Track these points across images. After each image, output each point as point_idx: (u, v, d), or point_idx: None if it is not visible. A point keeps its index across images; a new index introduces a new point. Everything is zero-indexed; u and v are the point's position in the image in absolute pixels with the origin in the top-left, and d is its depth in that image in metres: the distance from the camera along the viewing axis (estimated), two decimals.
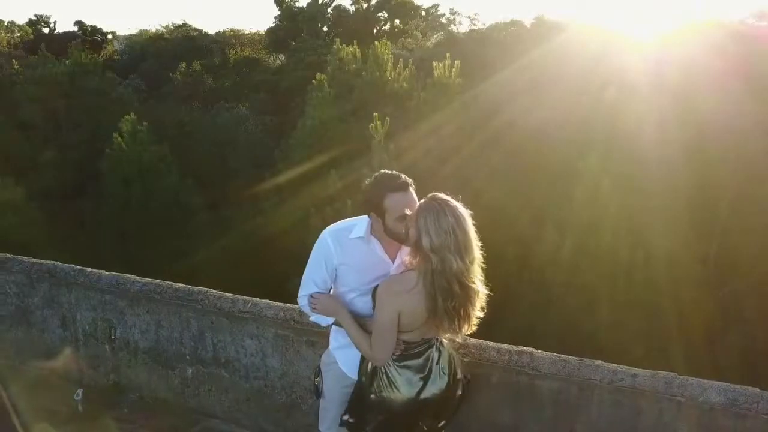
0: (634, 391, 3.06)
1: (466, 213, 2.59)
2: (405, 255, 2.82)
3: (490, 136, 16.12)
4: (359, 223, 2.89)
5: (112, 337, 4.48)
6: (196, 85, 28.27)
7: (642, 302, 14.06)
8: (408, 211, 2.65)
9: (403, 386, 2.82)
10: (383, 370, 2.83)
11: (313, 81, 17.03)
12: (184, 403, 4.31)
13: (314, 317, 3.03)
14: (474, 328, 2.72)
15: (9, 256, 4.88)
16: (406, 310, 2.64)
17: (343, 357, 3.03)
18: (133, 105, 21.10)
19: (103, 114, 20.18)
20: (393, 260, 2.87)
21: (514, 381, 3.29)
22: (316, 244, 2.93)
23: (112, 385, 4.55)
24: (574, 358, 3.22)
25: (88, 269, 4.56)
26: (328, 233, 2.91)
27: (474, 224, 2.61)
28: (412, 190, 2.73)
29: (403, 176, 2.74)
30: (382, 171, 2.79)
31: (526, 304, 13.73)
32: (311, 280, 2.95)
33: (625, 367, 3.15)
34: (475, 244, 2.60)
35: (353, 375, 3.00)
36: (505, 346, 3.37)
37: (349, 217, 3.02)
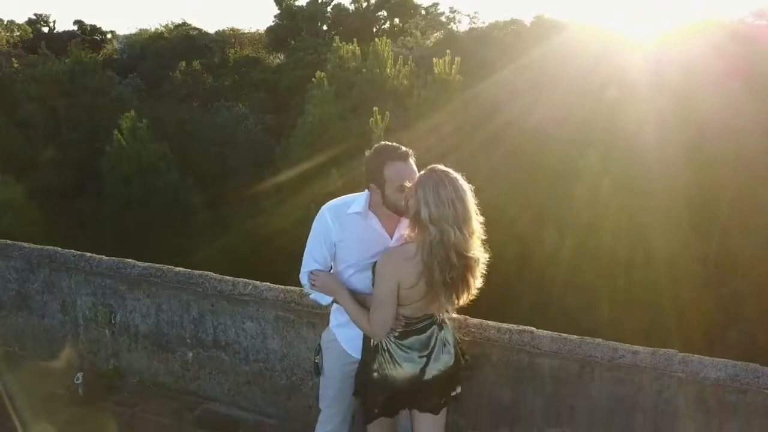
0: (634, 368, 3.06)
1: (466, 185, 2.59)
2: (404, 229, 2.82)
3: (489, 135, 16.14)
4: (358, 199, 2.90)
5: (113, 322, 4.47)
6: (195, 84, 28.33)
7: (642, 301, 14.08)
8: (408, 182, 2.65)
9: (405, 363, 2.80)
10: (384, 347, 2.82)
11: (313, 79, 17.06)
12: (184, 386, 4.30)
13: (314, 295, 3.03)
14: (473, 296, 2.71)
15: (9, 242, 4.88)
16: (405, 282, 2.63)
17: (343, 335, 3.03)
18: (132, 103, 21.13)
19: (102, 113, 20.21)
20: (391, 235, 2.87)
21: (514, 359, 3.29)
22: (315, 221, 2.94)
23: (112, 369, 4.54)
24: (575, 336, 3.23)
25: (88, 254, 4.56)
26: (326, 209, 2.91)
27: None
28: (412, 161, 2.73)
29: (404, 147, 2.75)
30: (383, 142, 2.79)
31: (526, 304, 13.74)
32: (311, 257, 2.95)
33: (626, 344, 3.15)
34: (475, 216, 2.59)
35: (354, 353, 3.00)
36: (505, 325, 3.37)
37: None
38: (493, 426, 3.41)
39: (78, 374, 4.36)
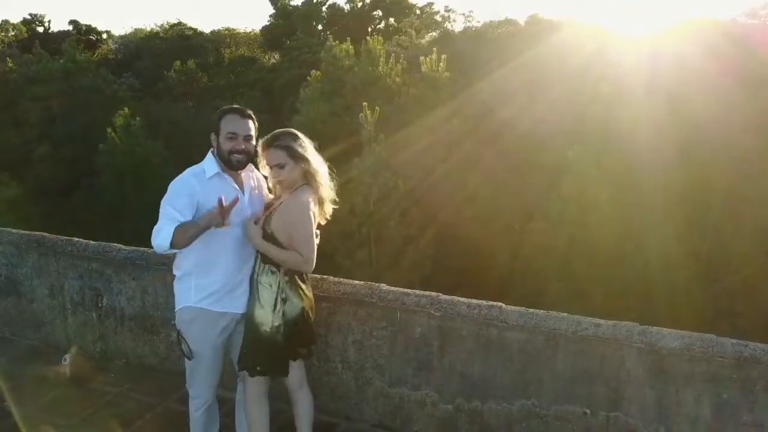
0: (597, 340, 3.18)
1: None
2: (253, 188, 3.15)
3: (484, 133, 16.25)
4: (205, 165, 3.04)
5: (99, 305, 4.58)
6: (190, 83, 28.39)
7: (634, 295, 14.18)
8: (240, 133, 2.95)
9: (295, 298, 3.06)
10: (284, 294, 3.03)
11: (308, 78, 17.16)
12: (169, 366, 4.40)
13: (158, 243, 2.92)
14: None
15: None
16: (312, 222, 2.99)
17: (197, 286, 3.09)
18: (128, 102, 21.22)
19: (97, 110, 20.30)
20: (243, 191, 3.09)
21: (484, 333, 3.40)
22: (176, 183, 3.00)
23: (99, 352, 4.65)
24: (541, 311, 3.34)
25: (75, 239, 4.67)
26: (189, 173, 3.03)
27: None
28: (250, 121, 3.02)
29: (244, 110, 3.08)
30: None
31: (517, 295, 13.85)
32: (172, 208, 2.91)
33: (589, 318, 3.27)
34: None
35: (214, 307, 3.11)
36: (475, 301, 3.48)
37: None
38: (466, 399, 3.52)
39: (65, 356, 4.46)
